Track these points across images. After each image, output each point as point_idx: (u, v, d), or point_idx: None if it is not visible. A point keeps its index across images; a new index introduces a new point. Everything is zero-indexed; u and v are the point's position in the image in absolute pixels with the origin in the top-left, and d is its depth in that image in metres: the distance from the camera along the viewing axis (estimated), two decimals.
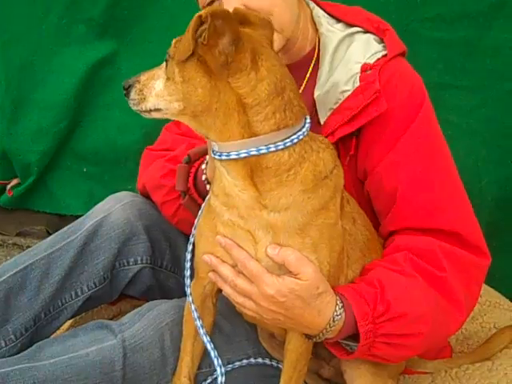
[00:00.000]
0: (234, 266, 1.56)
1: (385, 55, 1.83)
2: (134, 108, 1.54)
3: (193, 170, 1.91)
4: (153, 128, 2.83)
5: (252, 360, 1.97)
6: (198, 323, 1.70)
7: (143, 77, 1.52)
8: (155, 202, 2.13)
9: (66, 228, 2.11)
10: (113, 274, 2.11)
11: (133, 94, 1.52)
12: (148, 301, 2.05)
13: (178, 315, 1.88)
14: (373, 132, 1.79)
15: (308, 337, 1.63)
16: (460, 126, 2.66)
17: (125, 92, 1.53)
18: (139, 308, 1.96)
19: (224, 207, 1.52)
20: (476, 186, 2.65)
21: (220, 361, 1.70)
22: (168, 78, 1.46)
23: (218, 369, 1.69)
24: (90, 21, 3.03)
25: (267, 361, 1.98)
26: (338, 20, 1.96)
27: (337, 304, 1.56)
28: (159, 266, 2.19)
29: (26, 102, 3.18)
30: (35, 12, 3.07)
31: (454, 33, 2.61)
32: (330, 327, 1.56)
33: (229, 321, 1.92)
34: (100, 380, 1.78)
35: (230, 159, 1.45)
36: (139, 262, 2.13)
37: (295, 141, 1.46)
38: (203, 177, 1.85)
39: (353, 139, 1.81)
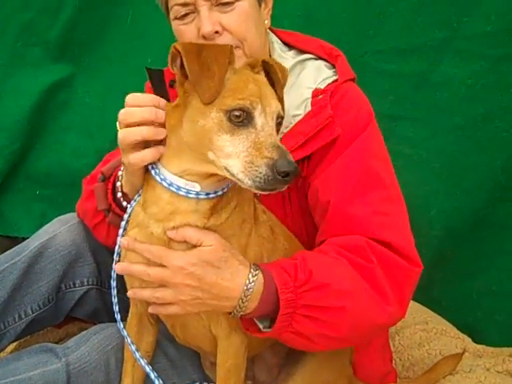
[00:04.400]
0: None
1: (335, 80, 1.88)
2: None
3: (109, 186, 1.86)
4: (107, 152, 2.82)
5: None
6: (133, 347, 1.71)
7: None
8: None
9: (10, 250, 2.09)
10: (58, 297, 2.09)
11: None
12: (95, 323, 2.03)
13: (123, 339, 1.84)
14: (321, 152, 1.83)
15: (230, 313, 1.60)
16: (411, 157, 2.71)
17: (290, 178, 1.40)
18: (85, 331, 1.94)
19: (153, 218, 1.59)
20: (425, 216, 2.70)
21: (161, 381, 1.70)
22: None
23: None
24: (46, 44, 3.03)
25: None
26: (291, 47, 2.00)
27: (251, 267, 1.57)
28: (106, 287, 2.16)
29: None
30: None
31: (406, 66, 2.67)
32: (247, 292, 1.55)
33: (174, 345, 1.91)
34: None
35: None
36: (85, 283, 2.12)
37: None
38: (118, 194, 1.79)
39: (304, 162, 1.84)
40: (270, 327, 1.62)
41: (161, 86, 1.98)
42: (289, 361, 1.78)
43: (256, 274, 1.56)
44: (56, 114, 3.14)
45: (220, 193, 1.58)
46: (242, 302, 1.56)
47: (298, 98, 1.86)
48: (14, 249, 2.09)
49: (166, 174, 1.56)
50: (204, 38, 1.79)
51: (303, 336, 1.63)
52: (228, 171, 1.44)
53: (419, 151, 2.71)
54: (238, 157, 1.42)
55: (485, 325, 2.71)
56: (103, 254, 2.14)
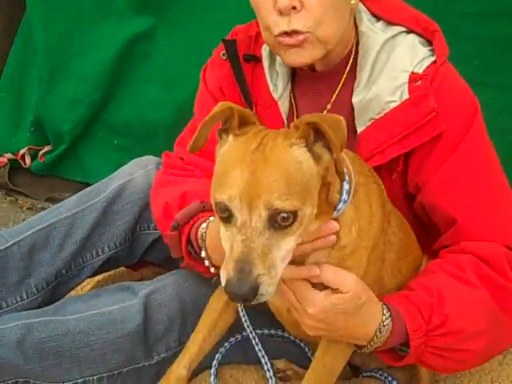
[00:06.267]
0: None
1: (433, 61, 1.74)
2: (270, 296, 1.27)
3: (183, 238, 1.77)
4: (185, 105, 2.86)
5: (272, 331, 1.99)
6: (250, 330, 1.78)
7: (257, 261, 1.23)
8: None
9: (90, 189, 2.18)
10: (133, 237, 2.17)
11: (265, 288, 1.24)
12: (170, 270, 2.09)
13: (199, 280, 1.93)
14: (424, 148, 1.71)
15: (358, 347, 1.62)
16: (491, 124, 2.61)
17: (245, 300, 1.25)
18: (162, 275, 2.03)
19: None
20: None
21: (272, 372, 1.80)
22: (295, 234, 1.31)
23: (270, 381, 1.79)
24: None
25: (286, 334, 2.00)
26: (378, 18, 1.86)
27: (383, 314, 1.54)
28: None
29: (63, 71, 3.24)
30: None
31: (492, 30, 2.58)
32: (377, 338, 1.54)
33: None
34: (121, 335, 1.85)
35: None
36: None
37: None
38: (202, 253, 1.71)
39: (401, 156, 1.73)
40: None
41: (235, 59, 1.93)
42: None
43: (387, 324, 1.53)
44: (136, 65, 3.18)
45: None
46: (371, 346, 1.57)
47: (392, 83, 1.71)
48: (93, 188, 2.18)
49: None
50: (280, 12, 1.63)
51: (430, 366, 1.67)
52: None
53: (500, 118, 2.63)
54: (225, 254, 1.30)
55: None
56: None
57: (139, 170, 2.16)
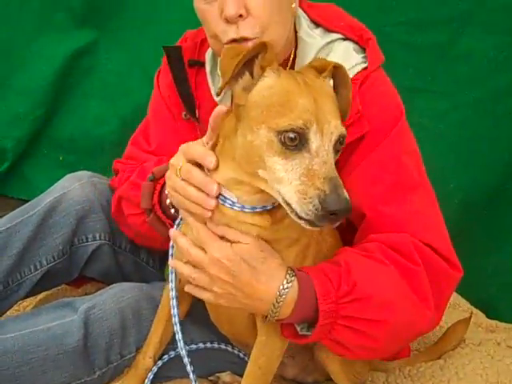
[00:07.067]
0: None
1: (365, 68, 1.78)
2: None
3: (157, 187, 1.84)
4: (129, 119, 2.86)
5: (215, 345, 1.99)
6: (175, 305, 1.72)
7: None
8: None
9: (25, 205, 2.15)
10: (71, 250, 2.13)
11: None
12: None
13: (139, 293, 1.94)
14: (348, 149, 1.72)
15: (266, 317, 1.59)
16: (430, 130, 2.68)
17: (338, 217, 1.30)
18: (103, 289, 2.01)
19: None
20: (443, 190, 2.65)
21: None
22: None
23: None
24: (70, 9, 3.04)
25: (229, 348, 2.00)
26: (317, 24, 1.90)
27: (287, 273, 1.53)
28: (118, 246, 2.21)
29: (4, 87, 3.20)
30: None
31: (427, 38, 2.64)
32: (279, 297, 1.51)
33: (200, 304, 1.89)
34: (62, 351, 1.82)
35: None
36: (98, 238, 2.16)
37: None
38: (167, 201, 1.76)
39: None
40: (308, 330, 1.61)
41: (179, 65, 1.97)
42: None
43: (291, 281, 1.52)
44: (79, 79, 3.16)
45: (269, 207, 1.50)
46: (274, 307, 1.53)
47: None
48: (29, 203, 2.15)
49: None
50: (226, 21, 1.68)
51: (341, 345, 1.62)
52: (281, 197, 1.34)
53: (438, 124, 2.69)
54: (290, 184, 1.31)
55: (499, 301, 2.69)
56: None
57: (74, 183, 2.14)
